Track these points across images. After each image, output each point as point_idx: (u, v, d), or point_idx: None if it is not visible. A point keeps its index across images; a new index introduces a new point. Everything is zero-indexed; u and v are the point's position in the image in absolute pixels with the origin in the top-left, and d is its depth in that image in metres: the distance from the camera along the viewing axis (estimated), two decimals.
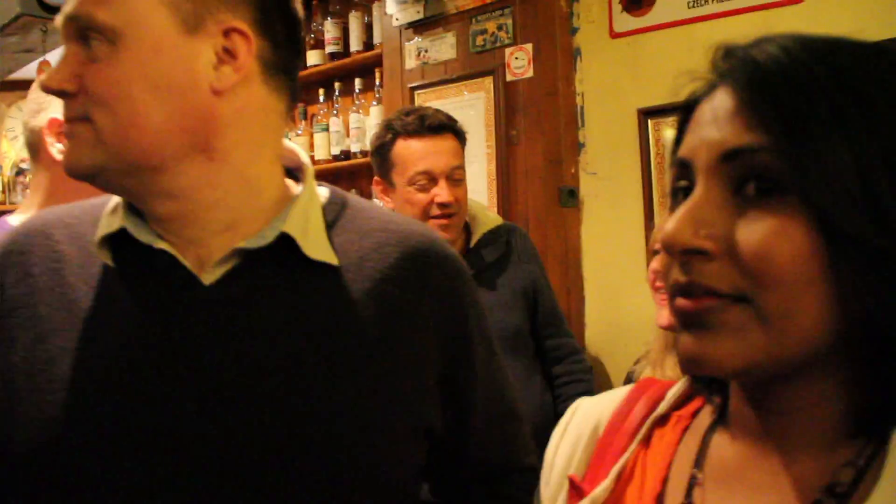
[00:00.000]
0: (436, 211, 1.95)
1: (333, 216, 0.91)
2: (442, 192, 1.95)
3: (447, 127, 2.02)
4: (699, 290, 0.59)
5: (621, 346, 2.73)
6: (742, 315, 0.58)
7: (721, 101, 0.62)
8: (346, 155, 3.54)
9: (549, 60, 2.83)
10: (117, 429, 0.79)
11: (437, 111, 2.05)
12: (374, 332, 0.87)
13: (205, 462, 0.80)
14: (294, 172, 0.95)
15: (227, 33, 0.82)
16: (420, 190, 1.96)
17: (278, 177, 0.91)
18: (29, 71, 3.11)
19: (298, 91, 0.94)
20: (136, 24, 0.78)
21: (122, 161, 0.80)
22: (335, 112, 3.56)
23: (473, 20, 3.00)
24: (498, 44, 2.93)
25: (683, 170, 0.64)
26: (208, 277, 0.84)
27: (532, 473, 0.97)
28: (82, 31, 0.79)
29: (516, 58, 2.87)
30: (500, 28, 2.92)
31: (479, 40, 2.99)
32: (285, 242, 0.85)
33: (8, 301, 0.85)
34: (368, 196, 2.94)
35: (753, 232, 0.57)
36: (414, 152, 1.97)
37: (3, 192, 5.55)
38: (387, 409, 0.86)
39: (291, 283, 0.86)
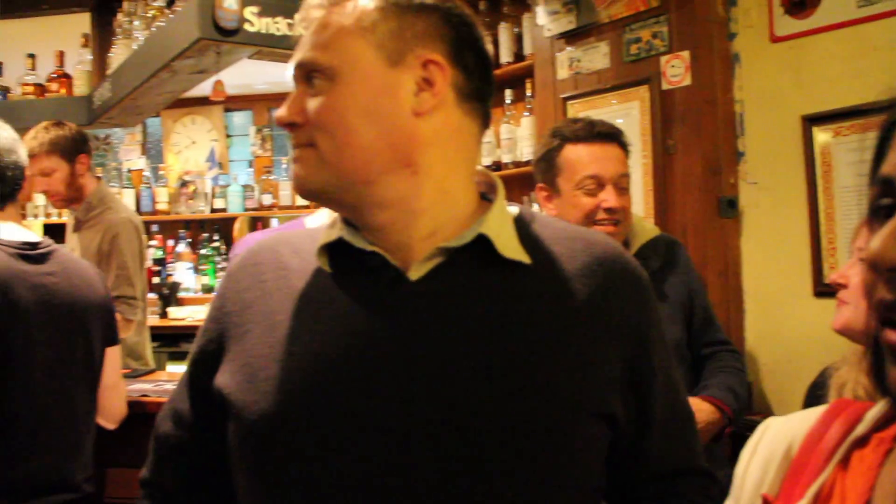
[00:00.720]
0: (602, 216, 1.95)
1: (524, 226, 1.01)
2: (609, 198, 1.95)
3: (615, 136, 2.02)
4: None
5: (783, 361, 2.63)
6: None
7: None
8: (498, 166, 3.57)
9: (706, 68, 2.76)
10: (337, 404, 0.90)
11: (604, 122, 2.06)
12: (563, 324, 0.95)
13: (413, 437, 0.88)
14: (487, 196, 1.04)
15: (425, 65, 0.94)
16: (587, 194, 1.96)
17: (473, 192, 1.02)
18: (200, 89, 3.25)
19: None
20: (350, 62, 0.93)
21: (341, 177, 0.94)
22: None
23: (627, 28, 2.98)
24: (653, 52, 2.89)
25: (887, 187, 0.62)
26: (414, 274, 0.95)
27: (707, 477, 1.08)
28: (308, 73, 0.95)
29: (672, 66, 2.82)
30: (654, 36, 2.88)
31: (634, 49, 2.96)
32: (482, 243, 0.95)
33: (242, 301, 1.02)
34: None
35: None
36: (583, 157, 1.98)
37: (169, 202, 5.92)
38: (575, 392, 0.93)
39: (488, 279, 0.96)
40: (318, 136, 0.93)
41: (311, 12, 0.97)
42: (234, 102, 5.81)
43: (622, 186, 1.99)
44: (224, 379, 0.98)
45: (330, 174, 0.94)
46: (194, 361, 1.07)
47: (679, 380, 1.08)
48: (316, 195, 0.98)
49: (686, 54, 2.80)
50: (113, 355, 2.08)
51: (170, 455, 1.10)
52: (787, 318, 2.64)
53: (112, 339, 2.06)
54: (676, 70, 2.82)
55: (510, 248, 0.96)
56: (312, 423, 0.90)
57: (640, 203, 2.93)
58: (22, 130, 3.95)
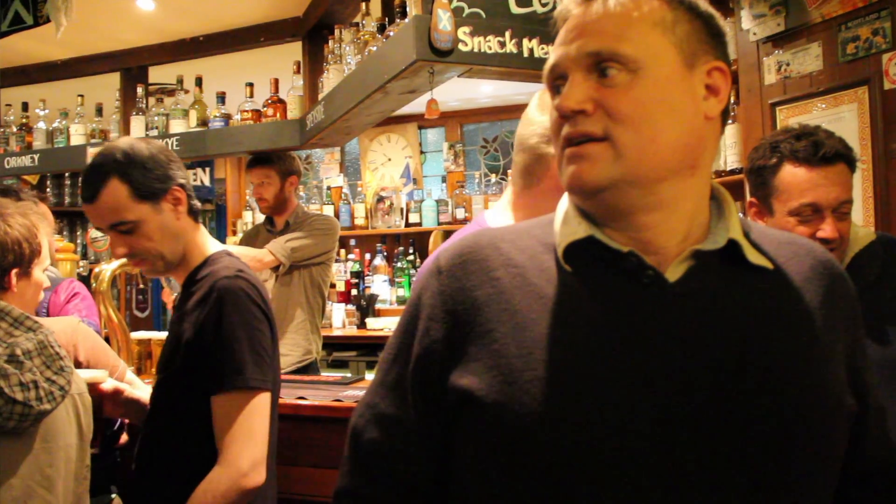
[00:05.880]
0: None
1: (746, 232, 1.02)
2: (826, 228, 1.79)
3: (842, 156, 1.83)
4: None
5: None
6: None
7: None
8: None
9: None
10: (613, 407, 0.89)
11: (831, 136, 1.86)
12: (809, 325, 0.98)
13: (684, 440, 0.88)
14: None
15: (710, 72, 0.96)
16: (802, 222, 1.82)
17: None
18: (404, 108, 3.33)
19: None
20: (653, 57, 0.93)
21: (636, 174, 0.92)
22: None
23: (842, 27, 2.83)
24: (873, 50, 2.73)
25: None
26: (671, 276, 0.96)
27: None
28: (599, 63, 0.93)
29: None
30: (875, 33, 2.72)
31: (850, 48, 2.81)
32: (730, 247, 0.97)
33: (473, 299, 0.98)
34: None
35: None
36: (802, 182, 1.82)
37: (366, 217, 6.19)
38: (832, 392, 0.96)
39: (738, 283, 0.97)
40: (618, 129, 0.92)
41: (594, 2, 0.96)
42: (428, 120, 5.99)
43: (843, 212, 1.82)
44: (469, 380, 0.94)
45: (625, 169, 0.92)
46: (417, 363, 1.01)
47: None
48: (599, 191, 0.94)
49: None
50: None
51: (379, 464, 1.03)
52: None
53: None
54: None
55: (754, 253, 0.98)
56: (590, 426, 0.88)
57: (859, 212, 2.77)
58: (241, 153, 4.29)
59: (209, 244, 1.89)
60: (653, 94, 0.92)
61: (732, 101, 3.34)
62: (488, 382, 0.93)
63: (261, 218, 4.09)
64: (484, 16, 2.53)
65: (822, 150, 1.81)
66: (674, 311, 0.93)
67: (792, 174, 1.84)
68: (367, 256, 6.18)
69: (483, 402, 0.92)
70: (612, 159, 0.92)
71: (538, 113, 1.61)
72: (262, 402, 1.67)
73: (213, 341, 1.68)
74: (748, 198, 2.02)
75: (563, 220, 1.01)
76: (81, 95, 4.86)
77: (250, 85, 4.22)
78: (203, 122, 4.31)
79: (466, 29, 2.45)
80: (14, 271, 2.03)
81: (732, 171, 3.33)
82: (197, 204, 1.86)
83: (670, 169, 0.93)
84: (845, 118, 2.84)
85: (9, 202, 2.06)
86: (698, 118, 0.95)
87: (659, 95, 0.92)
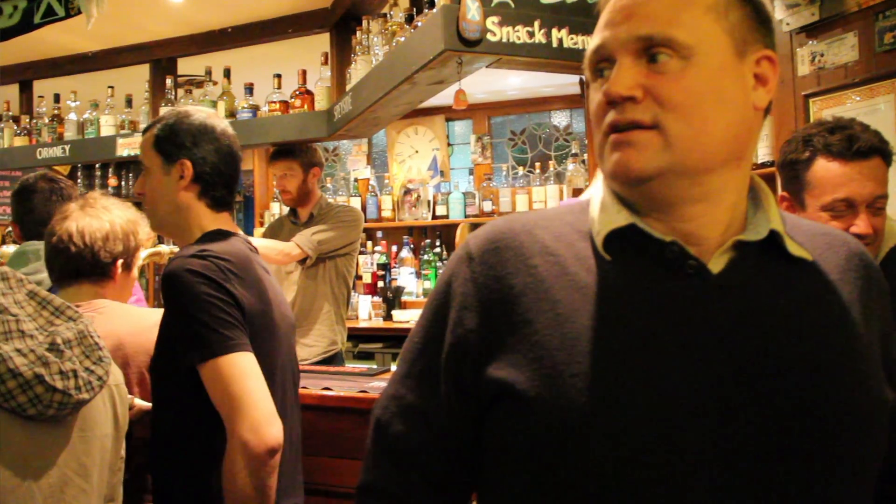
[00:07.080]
0: None
1: (783, 222, 1.00)
2: (860, 224, 1.75)
3: (878, 150, 1.78)
4: None
5: None
6: None
7: None
8: None
9: None
10: (645, 400, 0.87)
11: (866, 129, 1.81)
12: (847, 316, 0.97)
13: (730, 434, 0.86)
14: None
15: (759, 61, 0.94)
16: (835, 217, 1.78)
17: None
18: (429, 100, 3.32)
19: None
20: (706, 44, 0.90)
21: (685, 164, 0.90)
22: None
23: (880, 16, 2.77)
24: None
25: None
26: (714, 267, 0.94)
27: None
28: (649, 48, 0.90)
29: None
30: None
31: (888, 38, 2.75)
32: (771, 239, 0.96)
33: (508, 287, 0.95)
34: None
35: None
36: (835, 177, 1.77)
37: (393, 209, 6.19)
38: (873, 382, 0.95)
39: (778, 273, 0.96)
40: (668, 118, 0.89)
41: None
42: (455, 112, 5.97)
43: (878, 207, 1.78)
44: (508, 372, 0.91)
45: (674, 159, 0.89)
46: (450, 353, 0.98)
47: None
48: (645, 180, 0.91)
49: None
50: None
51: (406, 459, 1.01)
52: None
53: None
54: None
55: (794, 244, 0.97)
56: (637, 421, 0.86)
57: (895, 206, 2.72)
58: (268, 145, 4.30)
59: (213, 226, 1.89)
60: (705, 83, 0.89)
61: None
62: (529, 376, 0.90)
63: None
64: (513, 5, 2.51)
65: (856, 144, 1.77)
66: (718, 303, 0.91)
67: (825, 169, 1.80)
68: (394, 249, 6.17)
69: (525, 396, 0.89)
70: (660, 148, 0.89)
71: None
72: (240, 362, 1.64)
73: (172, 323, 1.73)
74: (779, 192, 1.98)
75: (600, 208, 0.98)
76: (111, 87, 4.90)
77: (278, 76, 4.22)
78: (231, 113, 4.32)
79: (495, 19, 2.43)
80: (120, 262, 2.06)
81: (763, 165, 3.28)
82: (219, 192, 1.91)
83: (719, 160, 0.92)
84: (881, 110, 2.79)
85: (115, 199, 2.13)
86: (748, 109, 0.93)
87: (711, 84, 0.90)
